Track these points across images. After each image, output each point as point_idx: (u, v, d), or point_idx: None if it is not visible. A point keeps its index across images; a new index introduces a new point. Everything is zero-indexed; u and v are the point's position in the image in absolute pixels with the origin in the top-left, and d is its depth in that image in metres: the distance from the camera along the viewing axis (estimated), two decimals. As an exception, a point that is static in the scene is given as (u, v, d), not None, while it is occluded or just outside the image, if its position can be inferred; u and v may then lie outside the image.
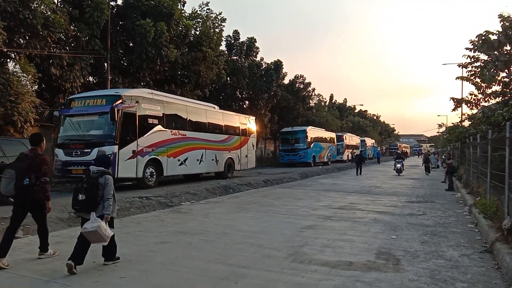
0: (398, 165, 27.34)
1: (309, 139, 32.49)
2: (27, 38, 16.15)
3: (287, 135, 33.14)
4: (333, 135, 40.87)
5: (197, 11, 25.92)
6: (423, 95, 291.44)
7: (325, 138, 37.75)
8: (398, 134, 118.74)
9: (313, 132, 34.25)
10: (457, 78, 14.79)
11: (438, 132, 60.13)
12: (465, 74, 13.69)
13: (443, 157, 33.04)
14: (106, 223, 5.34)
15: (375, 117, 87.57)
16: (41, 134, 6.64)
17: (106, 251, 5.65)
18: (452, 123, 29.65)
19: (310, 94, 42.82)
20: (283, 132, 33.65)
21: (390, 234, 7.88)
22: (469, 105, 14.59)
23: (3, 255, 5.52)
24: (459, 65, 14.02)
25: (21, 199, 5.75)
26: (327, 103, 55.09)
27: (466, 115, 20.76)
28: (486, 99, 13.34)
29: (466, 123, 21.16)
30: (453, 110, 15.51)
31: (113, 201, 5.51)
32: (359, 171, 27.47)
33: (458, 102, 15.43)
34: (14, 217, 5.84)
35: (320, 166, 32.88)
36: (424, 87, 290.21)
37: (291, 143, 32.51)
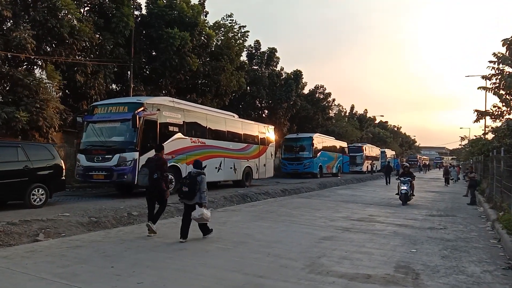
0: (404, 188, 15.80)
1: (315, 148, 29.76)
2: (54, 46, 16.62)
3: (291, 142, 30.31)
4: (344, 144, 38.16)
5: (220, 21, 26.21)
6: (446, 107, 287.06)
7: (335, 147, 35.03)
8: (419, 146, 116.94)
9: (320, 139, 31.64)
10: (479, 88, 14.60)
11: (460, 144, 59.18)
12: (489, 87, 13.49)
13: (466, 169, 32.45)
14: (204, 208, 7.76)
15: (395, 128, 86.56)
16: (162, 145, 9.47)
17: (202, 229, 8.04)
18: (475, 136, 29.16)
19: (330, 104, 42.64)
20: (287, 139, 30.88)
21: (410, 247, 7.75)
22: (492, 117, 14.34)
23: (153, 221, 8.23)
24: (483, 77, 13.82)
25: (151, 188, 8.17)
26: (347, 114, 54.74)
27: (489, 127, 20.35)
28: (510, 112, 13.10)
29: (490, 136, 20.74)
30: (475, 121, 15.30)
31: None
32: (388, 181, 28.85)
33: (481, 114, 15.19)
34: (148, 202, 8.40)
35: (339, 177, 32.54)
36: (447, 99, 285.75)
37: (295, 151, 29.59)
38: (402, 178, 16.22)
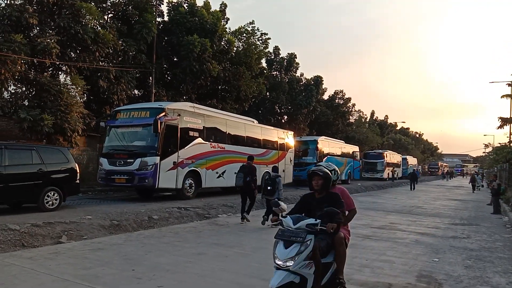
0: (286, 263, 4.00)
1: (320, 152, 27.11)
2: (78, 52, 17.01)
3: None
4: (355, 148, 35.40)
5: (242, 27, 26.45)
6: (469, 114, 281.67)
7: (344, 151, 32.51)
8: (442, 153, 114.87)
9: (326, 143, 29.16)
10: (503, 96, 14.33)
11: (484, 152, 57.86)
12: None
13: (490, 178, 32.01)
14: (281, 202, 9.47)
15: (417, 135, 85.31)
16: (253, 156, 12.20)
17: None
18: (500, 143, 28.53)
19: (350, 110, 42.37)
20: None
21: (432, 256, 7.60)
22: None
23: (247, 213, 10.96)
24: (509, 85, 13.56)
25: (244, 188, 10.89)
26: (367, 119, 54.20)
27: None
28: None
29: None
30: (499, 128, 14.99)
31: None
32: (413, 187, 31.57)
33: (505, 122, 14.87)
34: (242, 198, 11.10)
35: (359, 184, 32.09)
36: (471, 105, 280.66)
37: (298, 156, 26.10)
38: (288, 221, 4.39)
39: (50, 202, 10.71)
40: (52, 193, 10.75)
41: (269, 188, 10.54)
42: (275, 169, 11.42)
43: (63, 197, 11.12)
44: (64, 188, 11.17)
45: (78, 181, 11.83)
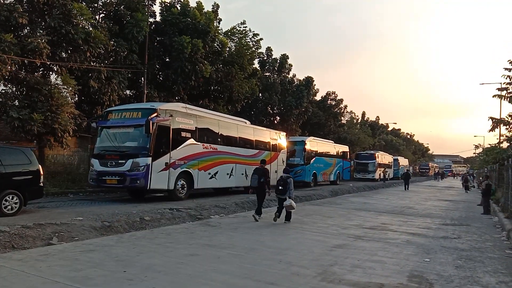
0: None
1: (308, 153, 26.34)
2: (69, 52, 16.87)
3: None
4: (345, 148, 34.54)
5: (235, 27, 26.46)
6: (459, 115, 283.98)
7: (334, 151, 31.61)
8: (433, 154, 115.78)
9: (315, 144, 28.15)
10: (494, 96, 14.48)
11: (474, 153, 58.44)
12: (504, 94, 13.36)
13: (480, 179, 32.44)
14: (292, 200, 11.29)
15: (408, 136, 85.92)
16: (265, 159, 13.76)
17: (287, 216, 11.42)
18: (490, 144, 28.87)
19: (342, 111, 42.50)
20: None
21: (423, 256, 7.65)
22: (508, 126, 14.18)
23: (257, 212, 11.73)
24: (498, 89, 13.73)
25: (258, 188, 11.82)
26: (359, 120, 54.42)
27: (504, 136, 20.06)
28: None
29: (505, 145, 20.45)
30: (490, 130, 15.14)
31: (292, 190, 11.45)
32: (407, 187, 32.04)
33: (496, 123, 15.03)
34: (258, 197, 11.96)
35: (350, 185, 32.15)
36: (461, 106, 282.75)
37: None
38: None
39: (9, 207, 9.83)
40: (11, 197, 9.88)
41: (280, 187, 11.42)
42: (286, 170, 12.22)
43: (24, 201, 10.21)
44: (26, 192, 10.25)
45: (42, 184, 10.96)
